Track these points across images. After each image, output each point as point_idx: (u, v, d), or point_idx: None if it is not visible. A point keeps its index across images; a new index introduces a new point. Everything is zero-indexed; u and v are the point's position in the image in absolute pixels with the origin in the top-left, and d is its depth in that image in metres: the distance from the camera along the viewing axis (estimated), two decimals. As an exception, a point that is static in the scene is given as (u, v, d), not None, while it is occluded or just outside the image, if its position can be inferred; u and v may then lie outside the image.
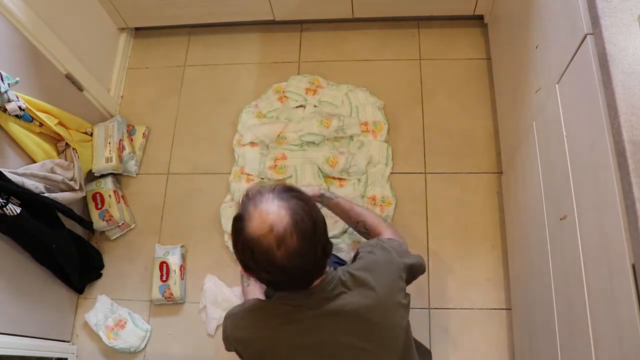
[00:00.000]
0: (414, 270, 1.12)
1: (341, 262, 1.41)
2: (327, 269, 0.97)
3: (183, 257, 1.80)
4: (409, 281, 1.09)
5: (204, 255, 1.81)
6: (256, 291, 1.34)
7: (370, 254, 1.05)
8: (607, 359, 0.92)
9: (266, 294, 1.32)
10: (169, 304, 1.76)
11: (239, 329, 1.04)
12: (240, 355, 1.08)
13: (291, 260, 0.85)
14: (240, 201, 0.91)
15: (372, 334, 0.98)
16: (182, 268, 1.77)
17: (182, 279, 1.76)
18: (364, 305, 0.96)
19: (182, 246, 1.81)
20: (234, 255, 0.94)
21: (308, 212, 0.88)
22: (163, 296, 1.72)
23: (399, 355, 1.02)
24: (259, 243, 0.84)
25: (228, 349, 1.10)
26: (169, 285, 1.72)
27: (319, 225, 0.90)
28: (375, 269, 1.01)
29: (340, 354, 0.98)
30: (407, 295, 1.05)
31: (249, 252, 0.86)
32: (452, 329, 1.63)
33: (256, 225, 0.85)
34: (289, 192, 0.90)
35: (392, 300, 1.00)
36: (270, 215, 0.85)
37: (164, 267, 1.74)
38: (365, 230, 1.29)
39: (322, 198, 1.33)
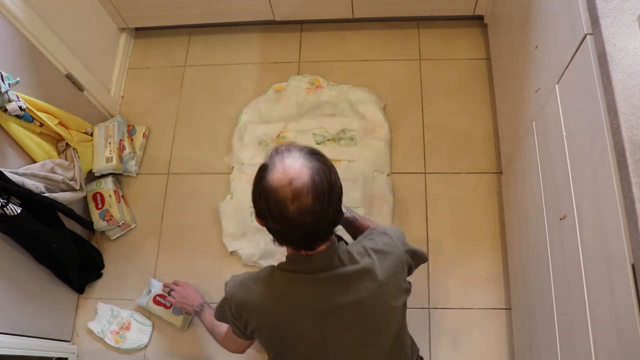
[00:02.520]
0: (417, 256, 1.14)
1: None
2: (332, 237, 1.00)
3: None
4: (410, 268, 1.12)
5: (204, 255, 1.82)
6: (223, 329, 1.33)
7: (375, 237, 1.09)
8: (607, 359, 0.92)
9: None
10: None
11: (242, 291, 1.07)
12: (234, 319, 1.09)
13: (301, 216, 0.89)
14: (269, 154, 0.96)
15: (367, 315, 1.01)
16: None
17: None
18: (365, 287, 0.99)
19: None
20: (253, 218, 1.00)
21: (328, 176, 0.92)
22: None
23: (394, 336, 1.06)
24: (276, 193, 0.89)
25: (223, 312, 1.12)
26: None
27: (335, 191, 0.94)
28: (380, 251, 1.04)
29: (340, 317, 1.01)
30: (404, 295, 1.08)
31: (265, 199, 0.91)
32: (452, 329, 1.63)
33: (277, 176, 0.90)
34: (316, 154, 0.95)
35: (394, 285, 1.04)
36: (292, 170, 0.90)
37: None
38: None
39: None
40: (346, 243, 1.09)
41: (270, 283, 1.04)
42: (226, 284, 1.10)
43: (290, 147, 0.96)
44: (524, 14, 1.43)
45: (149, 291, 1.73)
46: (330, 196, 0.92)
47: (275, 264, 1.05)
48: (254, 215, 0.98)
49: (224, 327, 1.28)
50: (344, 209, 1.33)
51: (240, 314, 1.06)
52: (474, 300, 1.66)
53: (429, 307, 1.66)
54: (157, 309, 1.70)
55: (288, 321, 1.03)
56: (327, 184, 0.91)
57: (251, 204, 0.97)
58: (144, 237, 1.88)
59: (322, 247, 0.98)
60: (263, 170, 0.93)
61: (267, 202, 0.91)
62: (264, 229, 0.97)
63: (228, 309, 1.09)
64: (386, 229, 1.13)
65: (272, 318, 1.04)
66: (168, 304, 1.70)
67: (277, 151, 0.95)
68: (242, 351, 1.25)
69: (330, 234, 0.99)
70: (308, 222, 0.91)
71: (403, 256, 1.07)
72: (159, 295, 1.71)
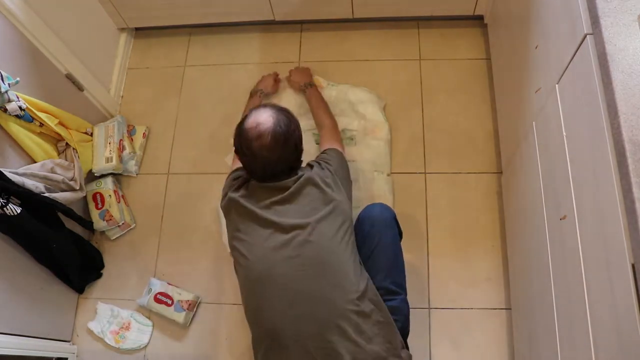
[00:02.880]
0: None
1: None
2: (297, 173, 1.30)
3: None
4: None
5: (204, 255, 1.82)
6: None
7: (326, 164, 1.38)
8: (606, 359, 0.92)
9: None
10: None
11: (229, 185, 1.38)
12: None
13: (261, 151, 1.22)
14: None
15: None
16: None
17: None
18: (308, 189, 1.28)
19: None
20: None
21: (287, 125, 1.25)
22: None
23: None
24: (246, 133, 1.23)
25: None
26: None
27: (291, 138, 1.26)
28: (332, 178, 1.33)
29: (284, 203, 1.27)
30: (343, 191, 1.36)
31: (239, 137, 1.26)
32: (452, 329, 1.63)
33: (250, 121, 1.25)
34: (284, 111, 1.30)
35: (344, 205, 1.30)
36: (260, 117, 1.24)
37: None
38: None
39: (305, 86, 1.87)
40: None
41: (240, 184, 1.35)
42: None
43: (268, 103, 1.32)
44: (524, 14, 1.43)
45: (150, 290, 1.73)
46: (286, 140, 1.24)
47: None
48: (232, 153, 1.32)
49: None
50: (303, 84, 1.87)
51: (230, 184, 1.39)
52: (474, 300, 1.66)
53: (429, 307, 1.66)
54: (159, 307, 1.70)
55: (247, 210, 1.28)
56: (284, 130, 1.24)
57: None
58: (144, 237, 1.88)
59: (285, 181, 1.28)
60: (244, 119, 1.27)
61: (240, 139, 1.25)
62: None
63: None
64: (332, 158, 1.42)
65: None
66: (169, 302, 1.70)
67: (257, 107, 1.30)
68: None
69: (289, 172, 1.29)
70: (266, 155, 1.23)
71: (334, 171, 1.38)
72: (160, 293, 1.71)
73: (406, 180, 1.84)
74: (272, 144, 1.22)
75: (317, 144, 1.85)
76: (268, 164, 1.25)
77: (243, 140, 1.23)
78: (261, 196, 1.27)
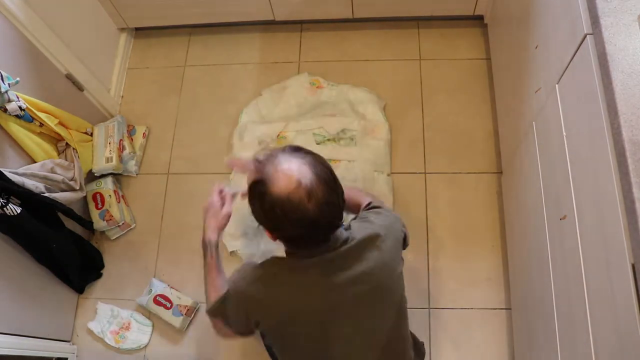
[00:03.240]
0: (408, 240, 1.18)
1: None
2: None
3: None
4: (405, 239, 1.16)
5: (204, 255, 1.82)
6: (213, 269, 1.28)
7: (375, 212, 1.11)
8: (606, 359, 0.92)
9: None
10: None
11: (247, 287, 1.05)
12: (236, 315, 1.07)
13: (322, 210, 0.89)
14: (253, 167, 0.94)
15: (375, 282, 1.01)
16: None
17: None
18: (372, 256, 1.00)
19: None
20: (256, 223, 0.97)
21: (324, 164, 0.93)
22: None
23: (397, 305, 1.07)
24: (290, 199, 0.87)
25: (223, 308, 1.09)
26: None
27: (334, 174, 0.95)
28: (380, 224, 1.06)
29: (350, 291, 0.99)
30: (402, 261, 1.11)
31: (280, 211, 0.88)
32: (452, 329, 1.63)
33: (283, 184, 0.87)
34: (300, 150, 0.95)
35: (396, 252, 1.07)
36: (295, 172, 0.88)
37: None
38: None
39: None
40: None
41: (274, 273, 1.03)
42: (229, 280, 1.10)
43: (272, 152, 0.94)
44: (524, 14, 1.43)
45: (150, 290, 1.73)
46: (335, 179, 0.94)
47: None
48: (261, 229, 0.97)
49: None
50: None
51: (245, 309, 1.05)
52: (474, 301, 1.66)
53: (429, 307, 1.66)
54: (157, 309, 1.70)
55: (297, 310, 1.01)
56: (328, 170, 0.93)
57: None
58: (144, 237, 1.87)
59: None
60: (262, 185, 0.90)
61: (284, 212, 0.88)
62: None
63: (230, 304, 1.07)
64: (380, 208, 1.15)
65: (280, 311, 1.02)
66: (168, 305, 1.70)
67: (260, 162, 0.93)
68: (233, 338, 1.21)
69: (341, 220, 0.98)
70: (329, 212, 0.91)
71: (399, 228, 1.11)
72: (160, 295, 1.71)
73: (406, 180, 1.84)
74: (328, 194, 0.90)
75: (318, 144, 1.85)
76: (331, 221, 0.94)
77: (289, 212, 0.88)
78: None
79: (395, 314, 1.07)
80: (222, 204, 1.31)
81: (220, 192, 1.32)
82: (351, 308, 1.01)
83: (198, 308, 1.75)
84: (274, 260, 1.05)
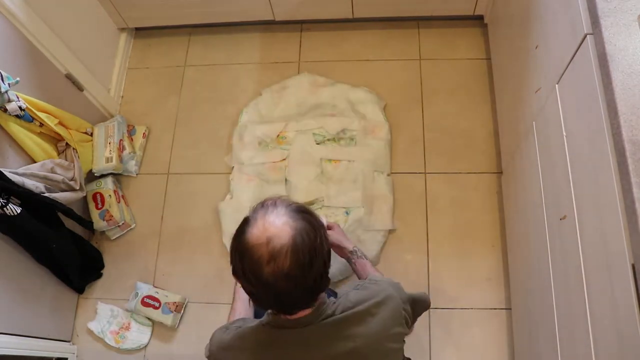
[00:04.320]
0: (418, 303, 1.07)
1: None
2: (317, 302, 0.92)
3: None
4: (409, 316, 1.02)
5: (204, 255, 1.82)
6: (242, 297, 1.27)
7: (367, 285, 1.01)
8: (606, 359, 0.92)
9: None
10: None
11: (222, 349, 1.02)
12: None
13: (277, 280, 0.80)
14: (254, 207, 0.88)
15: None
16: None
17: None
18: (359, 333, 0.92)
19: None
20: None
21: (312, 240, 0.83)
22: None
23: None
24: (252, 251, 0.81)
25: None
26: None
27: (318, 257, 0.84)
28: (374, 300, 0.96)
29: None
30: (402, 339, 1.01)
31: (240, 257, 0.83)
32: (452, 329, 1.63)
33: (256, 232, 0.82)
34: (303, 212, 0.86)
35: (391, 330, 0.96)
36: (272, 228, 0.81)
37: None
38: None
39: (350, 254, 1.31)
40: (335, 295, 1.01)
41: (253, 345, 0.96)
42: (210, 340, 1.05)
43: (278, 201, 0.87)
44: (524, 14, 1.43)
45: (137, 294, 1.73)
46: (312, 261, 0.82)
47: None
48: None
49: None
50: (353, 249, 1.31)
51: None
52: (474, 300, 1.66)
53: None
54: (147, 311, 1.70)
55: None
56: (309, 247, 0.82)
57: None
58: (144, 237, 1.87)
59: (305, 312, 0.90)
60: (244, 224, 0.85)
61: (242, 260, 0.82)
62: None
63: None
64: (378, 278, 1.06)
65: None
66: (156, 305, 1.70)
67: (262, 205, 0.87)
68: None
69: (312, 301, 0.89)
70: (284, 287, 0.81)
71: (399, 303, 0.99)
72: (147, 296, 1.71)
73: (406, 180, 1.84)
74: (293, 269, 0.80)
75: (318, 144, 1.85)
76: (287, 298, 0.85)
77: (247, 263, 0.82)
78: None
79: None
80: None
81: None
82: None
83: (186, 303, 1.75)
84: (245, 330, 0.99)
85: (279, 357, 0.93)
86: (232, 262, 0.86)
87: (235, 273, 0.86)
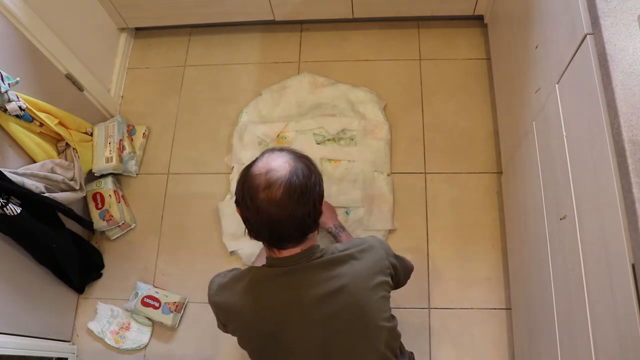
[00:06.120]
0: (401, 261, 1.15)
1: None
2: (307, 242, 1.01)
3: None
4: (395, 270, 1.10)
5: (204, 255, 1.82)
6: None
7: (354, 240, 1.11)
8: (606, 359, 0.92)
9: None
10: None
11: (221, 289, 1.10)
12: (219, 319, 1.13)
13: (268, 206, 0.93)
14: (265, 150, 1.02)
15: (352, 299, 0.99)
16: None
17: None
18: (345, 272, 1.00)
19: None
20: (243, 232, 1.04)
21: (306, 178, 0.95)
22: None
23: (380, 330, 1.02)
24: (252, 179, 0.95)
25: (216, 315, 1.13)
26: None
27: (310, 195, 0.95)
28: (359, 248, 1.05)
29: (324, 308, 0.98)
30: (388, 289, 1.06)
31: (242, 183, 0.97)
32: (452, 329, 1.63)
33: (260, 165, 0.96)
34: (304, 158, 1.00)
35: (375, 278, 1.03)
36: (273, 163, 0.95)
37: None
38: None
39: (337, 229, 1.56)
40: None
41: (247, 283, 1.04)
42: (209, 285, 1.13)
43: (285, 147, 1.01)
44: (524, 14, 1.43)
45: (136, 294, 1.73)
46: (303, 196, 0.94)
47: None
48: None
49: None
50: (333, 226, 1.55)
51: (221, 315, 1.10)
52: (474, 300, 1.66)
53: (429, 307, 1.66)
54: (147, 311, 1.70)
55: (268, 320, 1.02)
56: (302, 183, 0.94)
57: None
58: (144, 237, 1.87)
59: (295, 251, 1.00)
60: (252, 162, 0.99)
61: (243, 187, 0.96)
62: None
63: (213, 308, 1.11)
64: (364, 237, 1.15)
65: (251, 319, 1.03)
66: (156, 305, 1.70)
67: (272, 149, 1.00)
68: None
69: (300, 237, 0.99)
70: (274, 214, 0.93)
71: (383, 254, 1.07)
72: (147, 296, 1.71)
73: (406, 180, 1.84)
74: (284, 199, 0.92)
75: (318, 144, 1.85)
76: (275, 224, 0.95)
77: (247, 188, 0.95)
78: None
79: (372, 345, 1.01)
80: None
81: None
82: (315, 327, 0.99)
83: (186, 303, 1.75)
84: (241, 272, 1.09)
85: (272, 290, 1.02)
86: (236, 190, 1.00)
87: (237, 202, 0.99)
